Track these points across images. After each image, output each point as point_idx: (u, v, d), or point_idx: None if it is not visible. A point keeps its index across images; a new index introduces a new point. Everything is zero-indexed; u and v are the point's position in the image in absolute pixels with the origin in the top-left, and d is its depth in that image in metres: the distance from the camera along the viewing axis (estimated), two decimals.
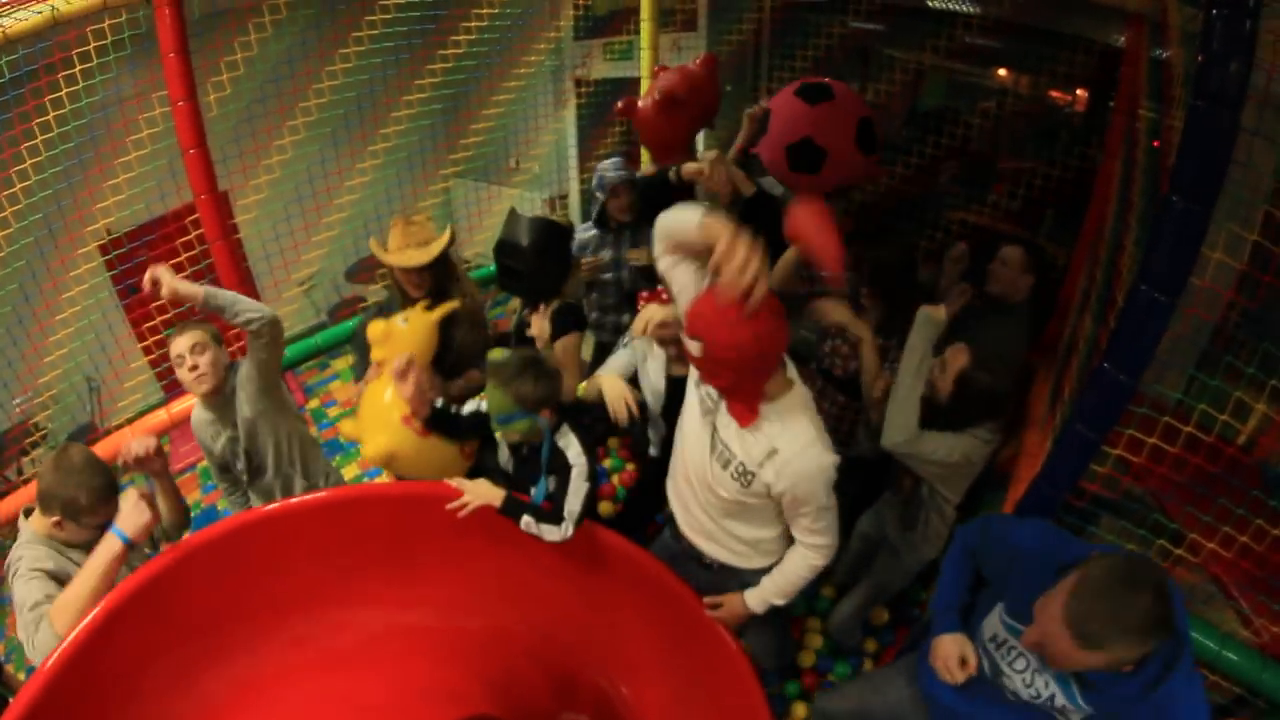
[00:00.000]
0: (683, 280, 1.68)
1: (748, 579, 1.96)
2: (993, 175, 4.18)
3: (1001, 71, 4.10)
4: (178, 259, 3.33)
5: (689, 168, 2.56)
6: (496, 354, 2.12)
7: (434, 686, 2.26)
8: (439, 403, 2.26)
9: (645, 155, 3.88)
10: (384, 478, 3.18)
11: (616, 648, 2.25)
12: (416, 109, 3.93)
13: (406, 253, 2.37)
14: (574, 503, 1.99)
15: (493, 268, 4.08)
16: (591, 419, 2.29)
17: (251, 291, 3.02)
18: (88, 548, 1.82)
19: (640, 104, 2.89)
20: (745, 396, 1.65)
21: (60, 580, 1.81)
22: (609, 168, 3.02)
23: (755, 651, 2.26)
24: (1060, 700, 1.46)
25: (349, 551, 2.14)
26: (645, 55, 3.74)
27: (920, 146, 3.92)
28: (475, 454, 2.56)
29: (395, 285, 2.46)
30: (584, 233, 3.14)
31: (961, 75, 4.16)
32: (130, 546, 1.78)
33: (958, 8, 3.78)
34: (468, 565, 2.21)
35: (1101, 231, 2.94)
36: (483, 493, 1.99)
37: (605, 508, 3.11)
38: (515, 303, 2.85)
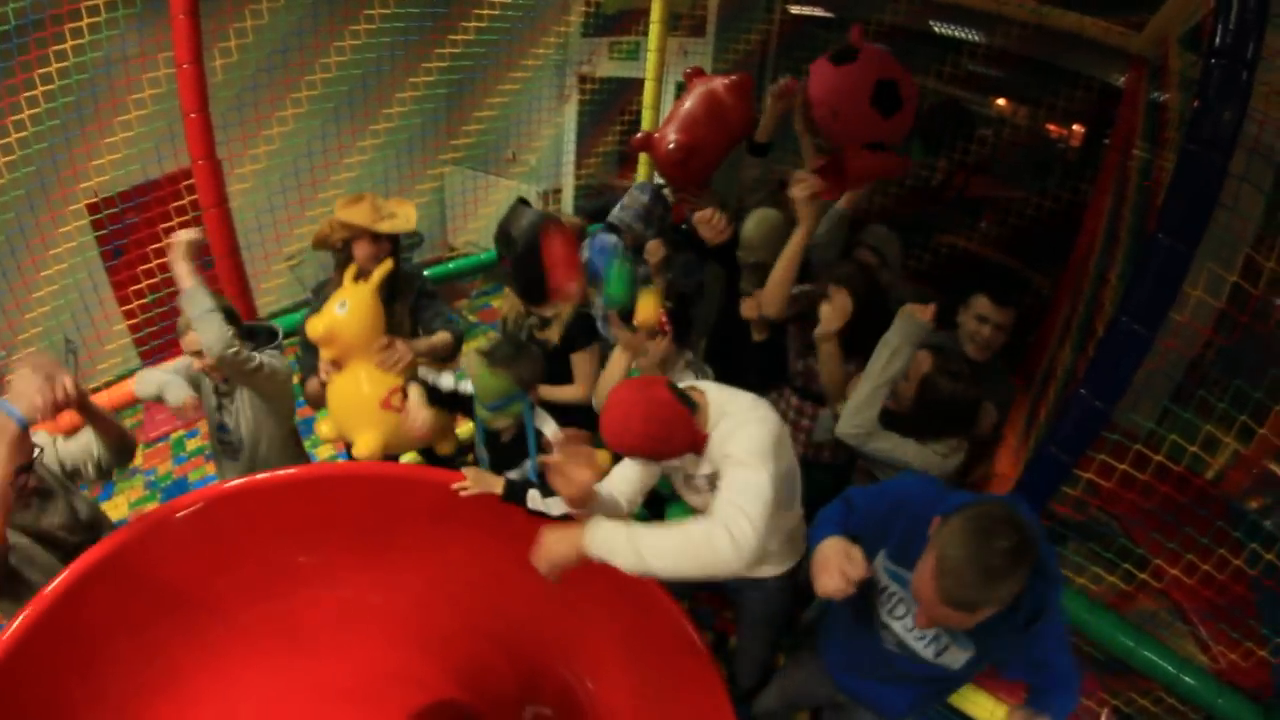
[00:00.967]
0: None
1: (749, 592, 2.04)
2: (984, 202, 4.25)
3: (1001, 101, 4.17)
4: (169, 224, 3.30)
5: (698, 217, 2.47)
6: (479, 343, 2.15)
7: (402, 671, 2.27)
8: (425, 376, 2.27)
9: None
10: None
11: (583, 642, 2.26)
12: (421, 91, 3.91)
13: (387, 221, 2.38)
14: None
15: (481, 256, 4.11)
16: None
17: (238, 263, 2.98)
18: None
19: (659, 138, 2.60)
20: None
21: None
22: (641, 211, 2.84)
23: (737, 666, 2.30)
24: (944, 640, 1.53)
25: (324, 530, 2.12)
26: (652, 57, 3.75)
27: (918, 167, 3.98)
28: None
29: (340, 263, 2.45)
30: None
31: (962, 101, 4.22)
32: (25, 429, 1.59)
33: (964, 35, 3.85)
34: (441, 552, 2.21)
35: (1087, 265, 3.01)
36: (485, 481, 1.98)
37: None
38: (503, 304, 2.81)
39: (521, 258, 2.30)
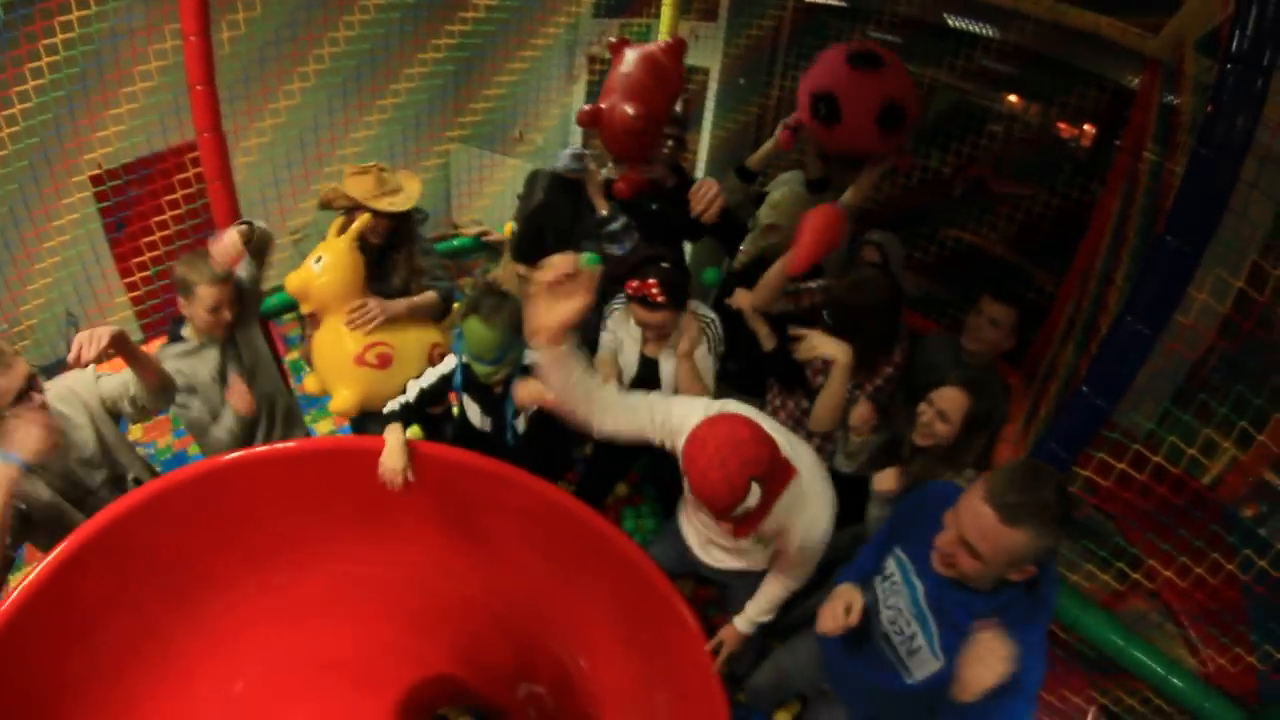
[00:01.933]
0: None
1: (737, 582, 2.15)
2: (993, 197, 4.23)
3: (1013, 97, 4.13)
4: (172, 196, 3.29)
5: (694, 189, 2.53)
6: (465, 302, 2.12)
7: (398, 645, 2.29)
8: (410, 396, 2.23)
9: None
10: None
11: (578, 620, 2.27)
12: (430, 68, 3.87)
13: (387, 199, 2.40)
14: None
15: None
16: None
17: None
18: None
19: (609, 110, 2.47)
20: (754, 521, 1.79)
21: None
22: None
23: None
24: (919, 641, 1.57)
25: (321, 504, 2.13)
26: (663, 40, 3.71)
27: (925, 160, 3.96)
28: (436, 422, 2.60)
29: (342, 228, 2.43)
30: None
31: (972, 96, 4.19)
32: (27, 470, 1.63)
33: (978, 30, 3.81)
34: (439, 527, 2.22)
35: (1093, 264, 2.99)
36: None
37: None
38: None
39: (533, 214, 2.41)
